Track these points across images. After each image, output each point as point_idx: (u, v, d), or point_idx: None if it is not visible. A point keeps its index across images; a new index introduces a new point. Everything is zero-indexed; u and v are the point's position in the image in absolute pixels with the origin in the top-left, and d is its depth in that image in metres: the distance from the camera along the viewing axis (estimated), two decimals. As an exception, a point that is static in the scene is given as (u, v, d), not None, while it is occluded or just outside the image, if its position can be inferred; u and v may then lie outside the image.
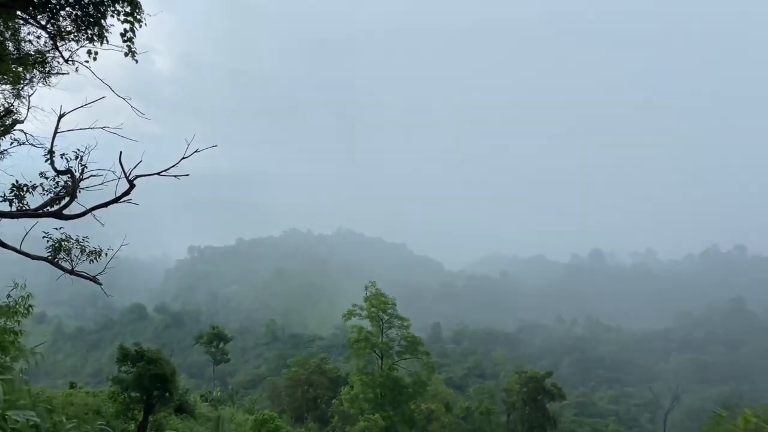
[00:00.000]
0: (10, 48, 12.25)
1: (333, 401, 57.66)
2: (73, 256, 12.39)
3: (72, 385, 30.72)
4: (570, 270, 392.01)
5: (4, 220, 11.60)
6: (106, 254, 12.77)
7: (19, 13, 11.18)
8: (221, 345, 74.32)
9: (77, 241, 12.41)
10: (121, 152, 11.68)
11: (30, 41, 12.34)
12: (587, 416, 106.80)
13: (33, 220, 11.83)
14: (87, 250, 12.50)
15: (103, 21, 11.20)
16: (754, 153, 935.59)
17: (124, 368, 21.47)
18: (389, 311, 48.07)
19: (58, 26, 11.40)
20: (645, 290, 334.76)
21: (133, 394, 21.25)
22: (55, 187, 12.27)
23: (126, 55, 11.40)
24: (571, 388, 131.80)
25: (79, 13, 11.15)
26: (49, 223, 12.07)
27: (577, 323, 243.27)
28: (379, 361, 48.64)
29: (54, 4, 11.04)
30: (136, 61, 11.63)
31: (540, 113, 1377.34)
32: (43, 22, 11.37)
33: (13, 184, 11.85)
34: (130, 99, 11.48)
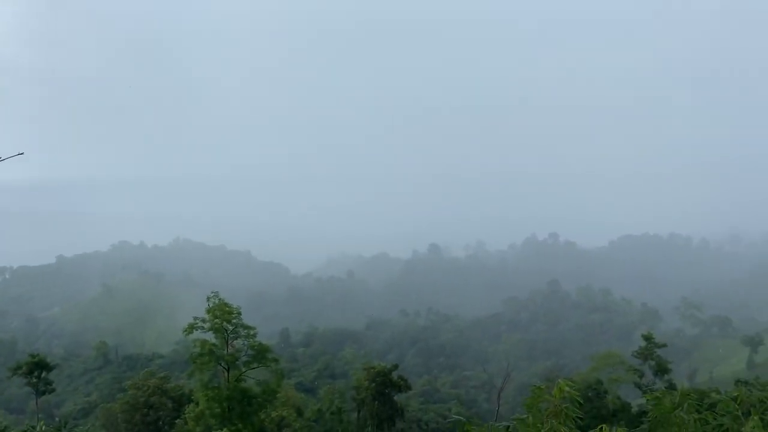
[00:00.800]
0: None
1: (177, 422, 54.74)
2: None
3: None
4: (410, 265, 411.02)
5: None
6: None
7: None
8: (43, 374, 66.84)
9: None
10: None
11: None
12: (432, 403, 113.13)
13: None
14: None
15: None
16: (563, 154, 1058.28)
17: None
18: (234, 321, 46.66)
19: None
20: (477, 279, 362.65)
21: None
22: None
23: None
24: (417, 377, 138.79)
25: None
26: None
27: (419, 315, 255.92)
28: (226, 374, 47.08)
29: None
30: None
31: (381, 115, 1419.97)
32: None
33: None
34: None
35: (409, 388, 69.04)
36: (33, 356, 68.80)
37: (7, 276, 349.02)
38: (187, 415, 47.42)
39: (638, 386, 62.49)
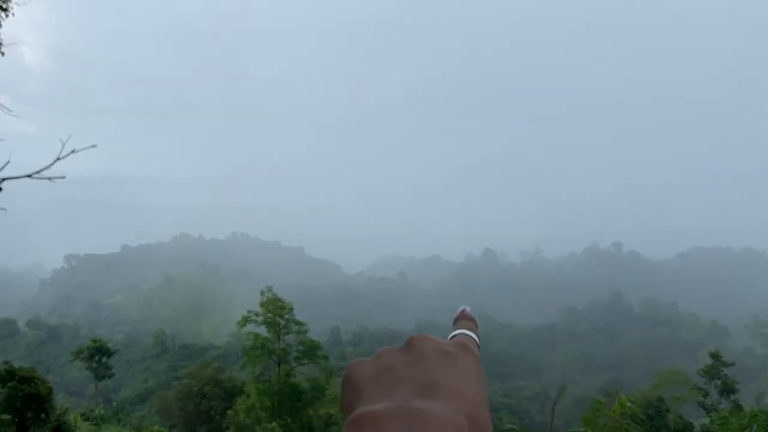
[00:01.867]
0: None
1: (228, 412, 55.92)
2: None
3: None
4: (464, 269, 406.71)
5: None
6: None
7: None
8: (104, 359, 69.49)
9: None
10: (-18, 153, 10.53)
11: None
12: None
13: None
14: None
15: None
16: (622, 157, 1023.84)
17: (-9, 390, 19.65)
18: (286, 316, 47.36)
19: None
20: (534, 287, 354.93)
21: (3, 417, 19.52)
22: None
23: (-10, 47, 10.39)
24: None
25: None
26: None
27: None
28: (277, 368, 47.79)
29: None
30: (2, 54, 10.64)
31: (438, 112, 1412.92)
32: None
33: None
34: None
35: (458, 393, 68.12)
36: (95, 341, 71.45)
37: (74, 263, 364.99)
38: (238, 407, 48.34)
39: (702, 406, 59.60)
